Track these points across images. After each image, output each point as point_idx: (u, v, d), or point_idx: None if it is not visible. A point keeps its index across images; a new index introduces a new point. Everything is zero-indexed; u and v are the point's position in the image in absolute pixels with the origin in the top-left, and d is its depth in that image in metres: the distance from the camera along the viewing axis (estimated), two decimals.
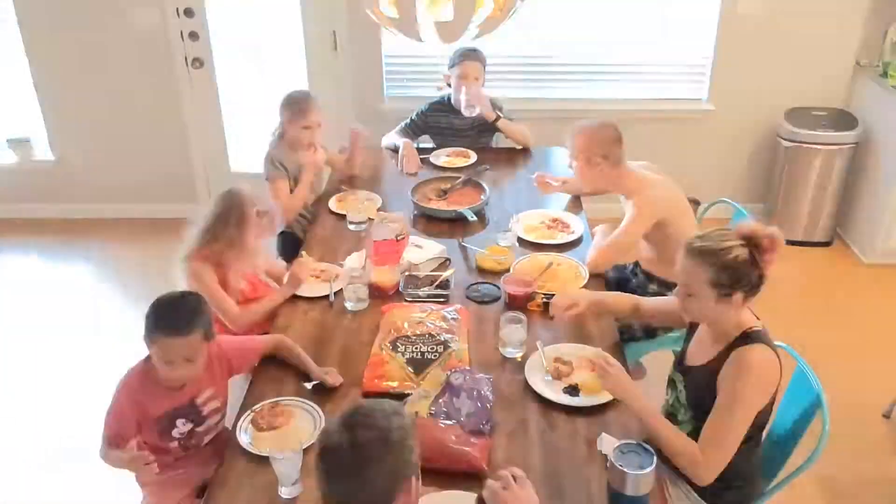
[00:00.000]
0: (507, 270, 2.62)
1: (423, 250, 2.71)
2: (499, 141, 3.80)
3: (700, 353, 2.01)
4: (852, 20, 4.15)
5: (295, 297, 2.54)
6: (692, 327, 2.12)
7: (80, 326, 3.84)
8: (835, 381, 3.30)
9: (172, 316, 1.97)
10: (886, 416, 3.12)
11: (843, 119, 4.19)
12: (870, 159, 4.14)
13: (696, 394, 1.99)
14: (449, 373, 2.05)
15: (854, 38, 4.20)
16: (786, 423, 2.13)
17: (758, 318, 1.95)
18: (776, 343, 1.95)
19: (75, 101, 4.53)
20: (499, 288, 2.53)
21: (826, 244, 4.36)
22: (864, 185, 4.20)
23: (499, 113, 3.54)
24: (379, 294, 2.52)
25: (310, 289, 2.58)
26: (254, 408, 2.04)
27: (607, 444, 1.86)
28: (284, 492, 1.80)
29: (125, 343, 3.62)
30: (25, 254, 4.52)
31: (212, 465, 2.00)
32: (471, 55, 3.45)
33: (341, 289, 2.53)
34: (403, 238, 2.66)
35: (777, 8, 4.14)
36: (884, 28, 4.13)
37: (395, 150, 3.65)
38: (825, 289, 3.99)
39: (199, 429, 2.13)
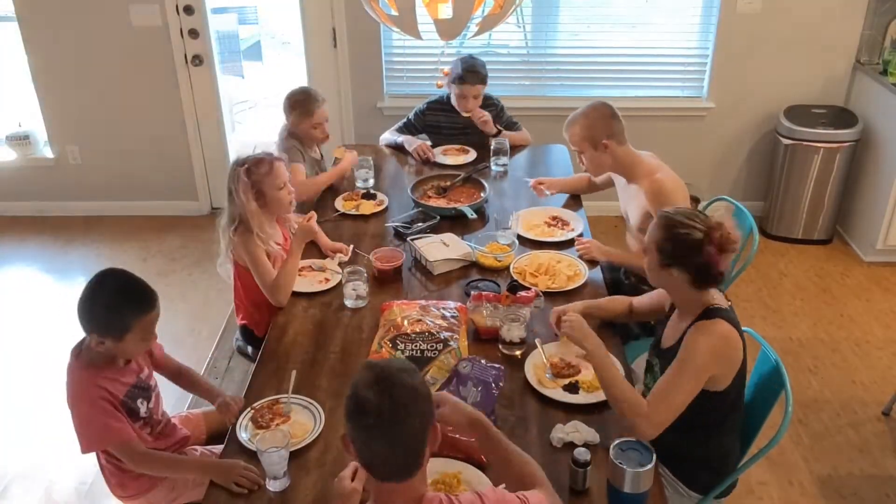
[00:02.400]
0: (507, 268, 2.63)
1: (449, 248, 2.70)
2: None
3: (671, 335, 2.06)
4: (852, 18, 4.15)
5: (294, 295, 2.54)
6: (668, 314, 2.14)
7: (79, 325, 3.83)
8: (835, 378, 3.34)
9: (143, 292, 2.00)
10: (886, 413, 3.13)
11: (843, 117, 4.19)
12: (870, 157, 4.14)
13: None
14: (458, 360, 2.06)
15: (854, 36, 4.19)
16: (751, 403, 2.18)
17: (728, 301, 2.00)
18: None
19: (75, 99, 4.53)
20: (499, 285, 2.52)
21: (826, 242, 4.36)
22: (864, 182, 4.20)
23: (499, 127, 3.58)
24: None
25: (309, 285, 2.59)
26: (254, 405, 2.05)
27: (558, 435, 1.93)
28: (272, 485, 1.82)
29: None
30: (25, 252, 4.52)
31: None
32: (474, 77, 3.44)
33: (340, 283, 2.55)
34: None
35: (777, 5, 4.13)
36: (884, 25, 4.13)
37: (395, 147, 3.65)
38: (825, 287, 3.99)
39: (152, 404, 2.14)
